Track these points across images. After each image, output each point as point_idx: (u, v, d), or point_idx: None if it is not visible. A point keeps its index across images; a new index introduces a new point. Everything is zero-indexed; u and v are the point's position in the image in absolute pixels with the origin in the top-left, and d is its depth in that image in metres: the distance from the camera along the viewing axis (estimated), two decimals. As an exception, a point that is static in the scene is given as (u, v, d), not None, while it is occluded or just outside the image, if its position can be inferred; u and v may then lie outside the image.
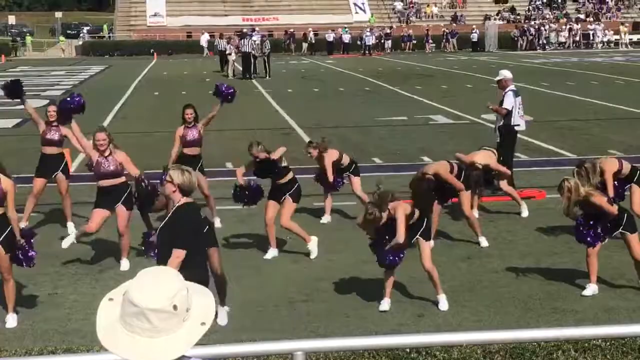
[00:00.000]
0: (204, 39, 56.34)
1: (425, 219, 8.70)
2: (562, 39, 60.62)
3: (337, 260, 10.37)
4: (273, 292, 9.23)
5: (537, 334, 4.83)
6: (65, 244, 10.14)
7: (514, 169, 13.66)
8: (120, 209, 10.08)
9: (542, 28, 60.37)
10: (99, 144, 10.09)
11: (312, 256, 10.47)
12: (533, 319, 8.21)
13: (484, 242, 10.80)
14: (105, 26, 64.58)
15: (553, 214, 12.34)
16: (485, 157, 11.62)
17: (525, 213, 12.31)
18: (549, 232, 11.51)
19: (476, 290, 9.15)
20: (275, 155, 10.39)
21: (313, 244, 10.52)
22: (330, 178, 11.64)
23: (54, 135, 11.76)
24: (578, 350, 6.33)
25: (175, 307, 2.74)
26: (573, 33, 60.90)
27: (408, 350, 6.19)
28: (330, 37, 57.00)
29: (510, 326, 7.85)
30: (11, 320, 8.34)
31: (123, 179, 10.22)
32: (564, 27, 61.59)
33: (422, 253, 8.53)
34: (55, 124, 11.75)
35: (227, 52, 40.28)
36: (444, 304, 8.50)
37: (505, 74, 13.91)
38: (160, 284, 2.77)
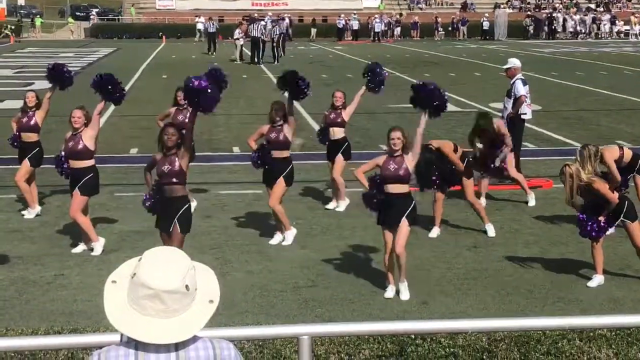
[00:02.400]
0: (200, 23, 56.40)
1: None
2: (571, 29, 60.34)
3: (343, 246, 10.37)
4: (278, 277, 9.25)
5: (543, 322, 4.83)
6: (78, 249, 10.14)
7: (522, 158, 13.64)
8: (75, 193, 9.87)
9: (554, 17, 60.11)
10: (74, 121, 9.88)
11: (285, 243, 10.37)
12: (538, 308, 8.21)
13: (491, 230, 10.76)
14: (132, 9, 63.85)
15: (559, 203, 12.30)
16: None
17: (532, 202, 12.28)
18: (555, 221, 11.49)
19: (481, 279, 9.15)
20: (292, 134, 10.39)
21: (291, 234, 10.43)
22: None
23: (30, 121, 11.62)
24: (583, 340, 6.33)
25: (187, 287, 2.76)
26: (584, 22, 60.59)
27: (413, 336, 6.19)
28: (340, 23, 56.85)
29: (515, 315, 7.85)
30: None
31: (88, 162, 9.92)
32: (574, 16, 61.30)
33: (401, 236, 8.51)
34: (33, 110, 11.60)
35: (234, 37, 40.29)
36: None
37: (515, 62, 13.85)
38: (170, 265, 2.77)
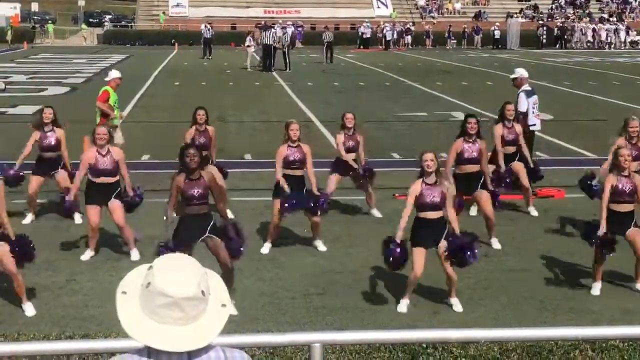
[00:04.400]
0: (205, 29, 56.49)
1: None
2: (586, 38, 60.24)
3: (354, 254, 10.36)
4: (289, 284, 9.24)
5: (555, 332, 4.81)
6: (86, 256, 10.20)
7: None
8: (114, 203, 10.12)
9: (566, 27, 60.03)
10: (99, 138, 10.01)
11: (262, 251, 10.44)
12: (549, 319, 8.17)
13: (496, 244, 10.71)
14: (162, 16, 63.84)
15: (572, 213, 12.28)
16: None
17: (534, 213, 12.24)
18: (567, 231, 11.45)
19: (492, 289, 9.12)
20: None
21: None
22: None
23: (50, 139, 11.59)
24: (595, 350, 6.30)
25: (203, 293, 2.75)
26: (597, 33, 60.48)
27: (425, 345, 6.17)
28: (360, 31, 56.89)
29: (527, 325, 7.81)
30: (29, 309, 8.38)
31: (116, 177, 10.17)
32: (588, 25, 61.19)
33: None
34: (50, 127, 11.58)
35: (246, 44, 40.55)
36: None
37: (521, 72, 13.84)
38: (185, 272, 2.76)
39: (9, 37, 56.48)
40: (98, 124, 12.99)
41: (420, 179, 8.43)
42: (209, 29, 46.03)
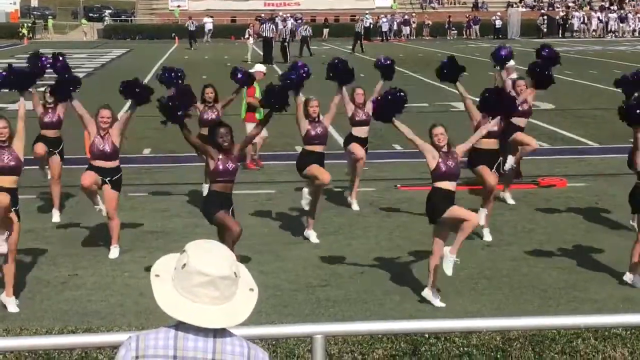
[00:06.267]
0: (209, 23, 56.60)
1: None
2: (587, 26, 60.06)
3: (357, 245, 10.36)
4: (291, 276, 9.24)
5: (558, 321, 4.81)
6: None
7: (536, 157, 13.60)
8: (108, 189, 9.73)
9: (568, 15, 59.86)
10: (103, 122, 9.70)
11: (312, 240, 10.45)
12: (552, 308, 8.17)
13: (487, 235, 10.57)
14: (177, 10, 63.61)
15: (574, 202, 12.27)
16: None
17: (510, 201, 12.21)
18: (569, 220, 11.44)
19: (495, 279, 9.12)
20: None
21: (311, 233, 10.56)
22: None
23: (52, 117, 11.45)
24: (598, 339, 6.29)
25: (235, 274, 2.93)
26: (599, 21, 60.29)
27: (427, 335, 6.17)
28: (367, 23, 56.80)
29: (529, 314, 7.81)
30: (12, 306, 8.25)
31: (117, 162, 9.85)
32: (592, 13, 61.00)
33: None
34: (52, 106, 11.39)
35: (245, 36, 40.68)
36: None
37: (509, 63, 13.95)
38: (219, 253, 2.93)
39: (25, 31, 56.67)
40: (244, 119, 13.61)
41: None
42: (192, 22, 50.21)
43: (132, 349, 2.88)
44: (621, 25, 60.37)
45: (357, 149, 11.78)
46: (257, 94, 13.81)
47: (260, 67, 14.54)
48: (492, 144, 10.39)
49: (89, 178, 9.61)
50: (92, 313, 8.16)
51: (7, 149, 8.32)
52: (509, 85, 11.88)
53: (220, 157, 8.64)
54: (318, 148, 10.42)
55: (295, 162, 10.74)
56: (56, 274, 9.35)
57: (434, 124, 8.46)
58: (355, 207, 11.99)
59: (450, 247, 8.11)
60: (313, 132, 10.42)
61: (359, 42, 44.42)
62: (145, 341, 2.89)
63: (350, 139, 11.94)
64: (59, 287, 8.95)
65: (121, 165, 9.99)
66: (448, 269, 8.06)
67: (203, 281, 2.83)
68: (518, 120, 11.77)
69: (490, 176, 10.34)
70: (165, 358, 2.86)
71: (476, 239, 10.56)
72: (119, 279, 9.19)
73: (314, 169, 10.26)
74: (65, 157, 11.74)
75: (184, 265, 2.87)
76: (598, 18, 60.38)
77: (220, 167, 8.64)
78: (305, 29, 45.07)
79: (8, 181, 8.24)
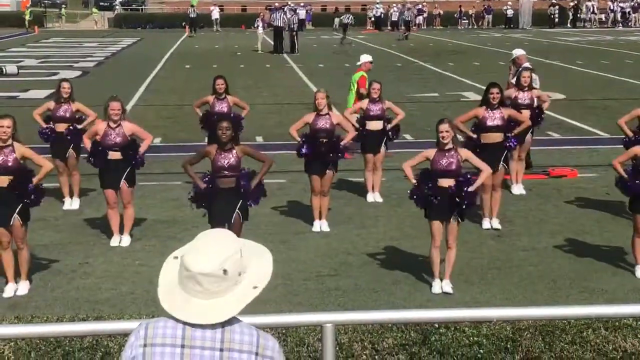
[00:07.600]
0: (216, 12, 56.62)
1: None
2: (599, 16, 59.76)
3: (366, 235, 10.36)
4: (301, 266, 9.25)
5: (568, 311, 4.79)
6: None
7: (546, 148, 13.56)
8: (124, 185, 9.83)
9: (579, 5, 59.54)
10: (113, 113, 9.76)
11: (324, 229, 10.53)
12: (562, 298, 8.16)
13: (486, 224, 10.56)
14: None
15: (584, 193, 12.24)
16: None
17: (515, 191, 12.20)
18: (580, 211, 11.41)
19: (505, 268, 9.10)
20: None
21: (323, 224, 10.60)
22: None
23: (66, 112, 11.45)
24: (608, 329, 6.28)
25: (225, 272, 2.85)
26: (611, 10, 59.96)
27: (437, 325, 6.17)
28: (378, 11, 56.75)
29: (539, 304, 7.80)
30: (23, 287, 8.39)
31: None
32: (607, 2, 60.66)
33: None
34: (66, 100, 11.42)
35: (255, 25, 40.68)
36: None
37: (517, 52, 14.11)
38: (213, 249, 2.87)
39: (28, 17, 56.61)
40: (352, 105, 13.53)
41: (436, 149, 8.40)
42: (194, 10, 52.59)
43: (140, 337, 2.89)
44: (633, 15, 60.01)
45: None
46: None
47: (366, 58, 14.46)
48: (497, 137, 10.42)
49: (112, 197, 9.85)
50: (102, 301, 8.19)
51: (7, 149, 8.30)
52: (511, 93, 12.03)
53: (219, 152, 8.62)
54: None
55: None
56: (67, 262, 9.38)
57: (441, 120, 8.52)
58: (377, 199, 11.94)
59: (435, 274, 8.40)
60: (317, 126, 10.42)
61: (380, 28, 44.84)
62: (154, 329, 2.89)
63: (363, 133, 11.82)
64: (70, 275, 8.98)
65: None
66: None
67: (186, 275, 2.84)
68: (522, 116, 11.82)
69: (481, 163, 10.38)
70: (172, 347, 2.85)
71: (485, 228, 10.55)
72: (130, 267, 9.22)
73: (313, 179, 10.40)
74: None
75: (183, 255, 2.89)
76: (610, 8, 60.03)
77: (218, 162, 8.63)
78: (348, 17, 46.82)
79: (3, 181, 8.26)
